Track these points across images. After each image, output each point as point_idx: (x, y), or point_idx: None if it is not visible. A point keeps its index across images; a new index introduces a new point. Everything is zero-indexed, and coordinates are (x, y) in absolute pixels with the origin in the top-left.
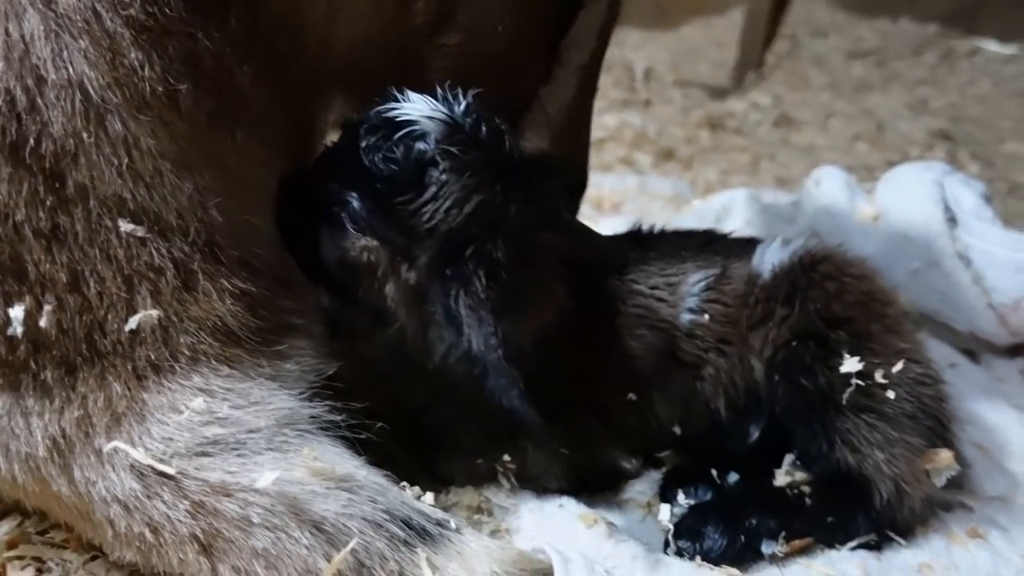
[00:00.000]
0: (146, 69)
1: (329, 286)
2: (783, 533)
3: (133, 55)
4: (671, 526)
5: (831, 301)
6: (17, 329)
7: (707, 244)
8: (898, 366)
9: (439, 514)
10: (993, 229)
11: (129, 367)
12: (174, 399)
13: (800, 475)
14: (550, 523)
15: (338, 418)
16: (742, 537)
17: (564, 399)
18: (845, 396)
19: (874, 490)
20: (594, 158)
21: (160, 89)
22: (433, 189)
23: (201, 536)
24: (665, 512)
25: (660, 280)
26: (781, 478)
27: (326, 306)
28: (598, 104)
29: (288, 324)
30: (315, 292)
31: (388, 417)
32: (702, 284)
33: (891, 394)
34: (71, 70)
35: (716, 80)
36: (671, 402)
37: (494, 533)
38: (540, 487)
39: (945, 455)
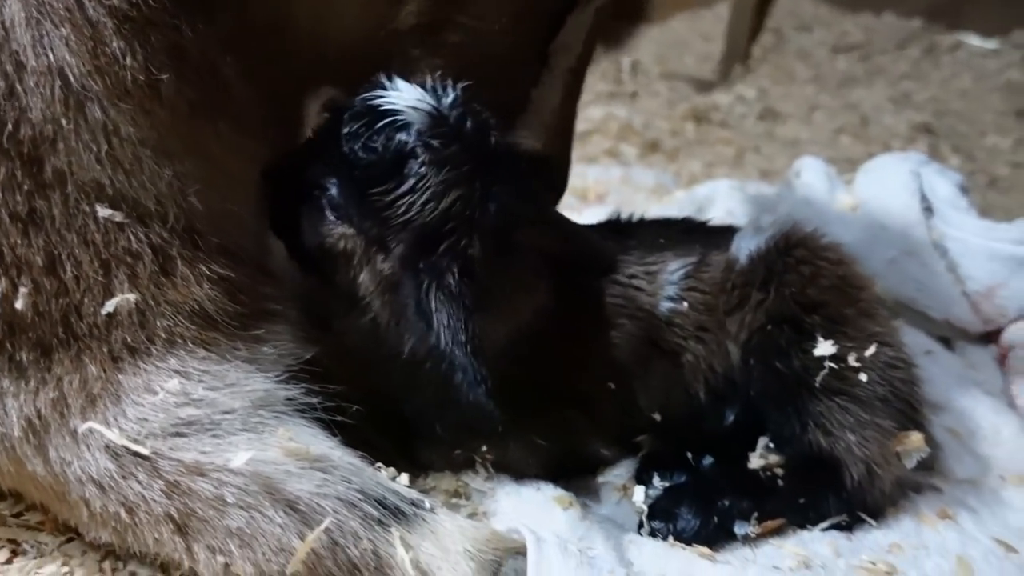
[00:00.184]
0: (128, 58)
1: (310, 269)
2: (756, 514)
3: (115, 44)
4: (646, 508)
5: (806, 285)
6: None
7: (686, 232)
8: (871, 349)
9: (413, 494)
10: (967, 218)
11: (105, 349)
12: (149, 380)
13: (774, 458)
14: (527, 506)
15: (314, 400)
16: (715, 518)
17: (545, 391)
18: (819, 379)
19: (845, 472)
20: (580, 150)
21: (142, 78)
22: (411, 181)
23: (176, 516)
24: (640, 494)
25: (639, 269)
26: (755, 461)
27: (308, 292)
28: (584, 96)
29: (267, 309)
30: (296, 278)
31: (368, 403)
32: (681, 272)
33: (863, 377)
34: (51, 57)
35: (702, 73)
36: (651, 390)
37: (472, 516)
38: (518, 474)
39: (915, 437)
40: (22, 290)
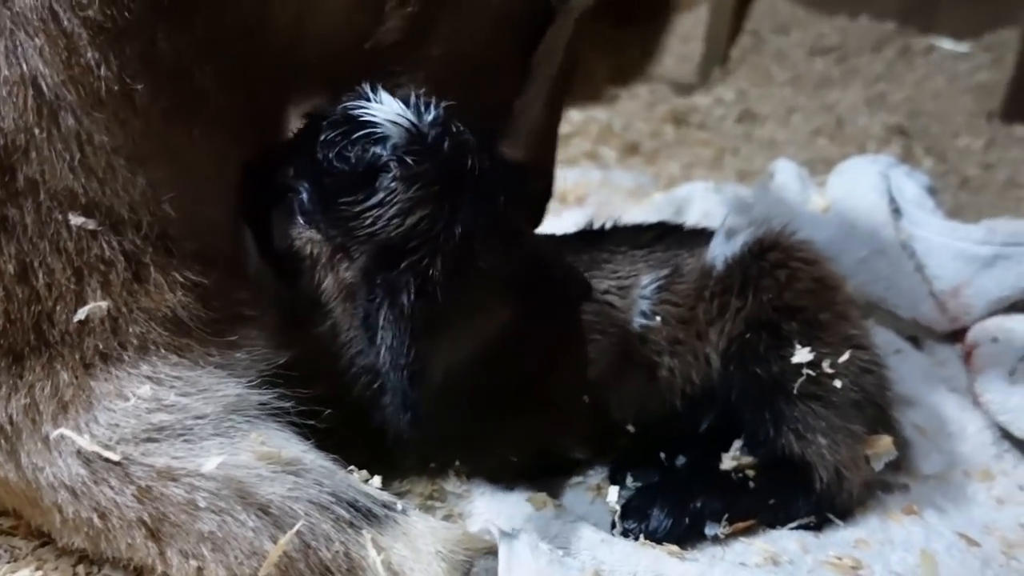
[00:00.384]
0: (103, 68)
1: (279, 271)
2: (727, 515)
3: (90, 54)
4: (619, 508)
5: (782, 290)
6: None
7: (659, 239)
8: (845, 356)
9: (385, 496)
10: (933, 219)
11: (77, 356)
12: (121, 387)
13: (746, 459)
14: (501, 506)
15: (287, 405)
16: (687, 518)
17: (516, 407)
18: (796, 385)
19: (815, 474)
20: (560, 152)
21: (116, 88)
22: (380, 195)
23: (148, 521)
24: (613, 494)
25: (611, 284)
26: (727, 462)
27: (280, 293)
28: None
29: (240, 315)
30: (270, 277)
31: (342, 407)
32: (654, 287)
33: (838, 383)
34: (25, 67)
35: (681, 76)
36: (625, 403)
37: (447, 518)
38: (492, 481)
39: (885, 441)
40: None
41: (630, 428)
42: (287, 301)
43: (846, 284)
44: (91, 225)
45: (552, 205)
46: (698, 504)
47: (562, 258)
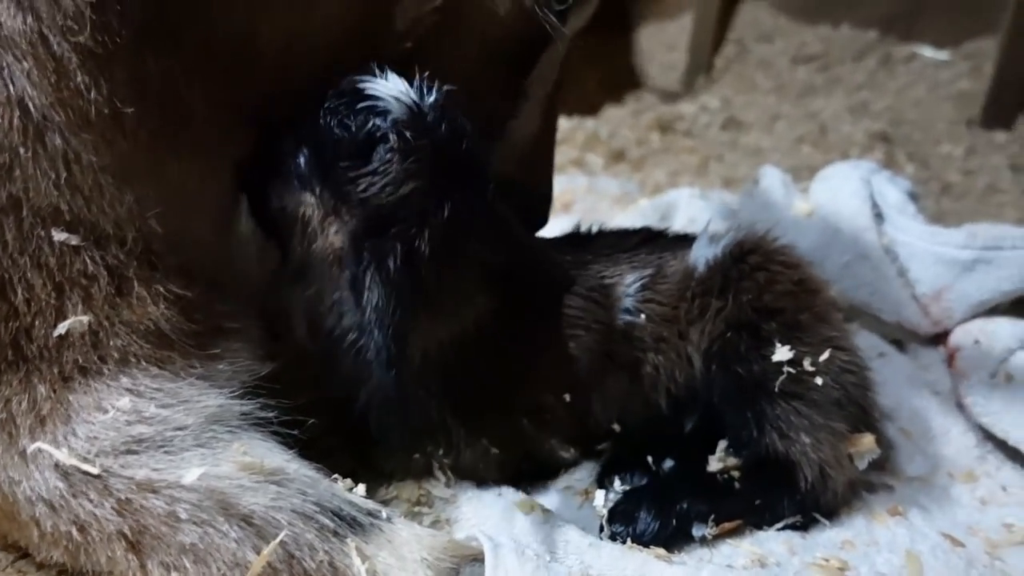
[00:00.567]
0: (92, 92)
1: (270, 234)
2: (713, 516)
3: (80, 78)
4: (606, 511)
5: (762, 292)
6: None
7: (643, 243)
8: (825, 354)
9: (370, 504)
10: (915, 223)
11: (55, 370)
12: (100, 399)
13: (731, 461)
14: (488, 511)
15: (271, 415)
16: (674, 521)
17: (496, 400)
18: (777, 384)
19: (800, 474)
20: None
21: (106, 111)
22: (375, 164)
23: (128, 533)
24: (600, 498)
25: (596, 283)
26: (713, 464)
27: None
28: None
29: (223, 328)
30: (254, 277)
31: (327, 415)
32: (637, 285)
33: (819, 380)
34: (11, 89)
35: (666, 84)
36: (609, 402)
37: (434, 524)
38: (477, 478)
39: (867, 440)
40: None
41: (615, 427)
42: (269, 310)
43: (828, 288)
44: (74, 241)
45: None
46: (684, 506)
47: (548, 253)
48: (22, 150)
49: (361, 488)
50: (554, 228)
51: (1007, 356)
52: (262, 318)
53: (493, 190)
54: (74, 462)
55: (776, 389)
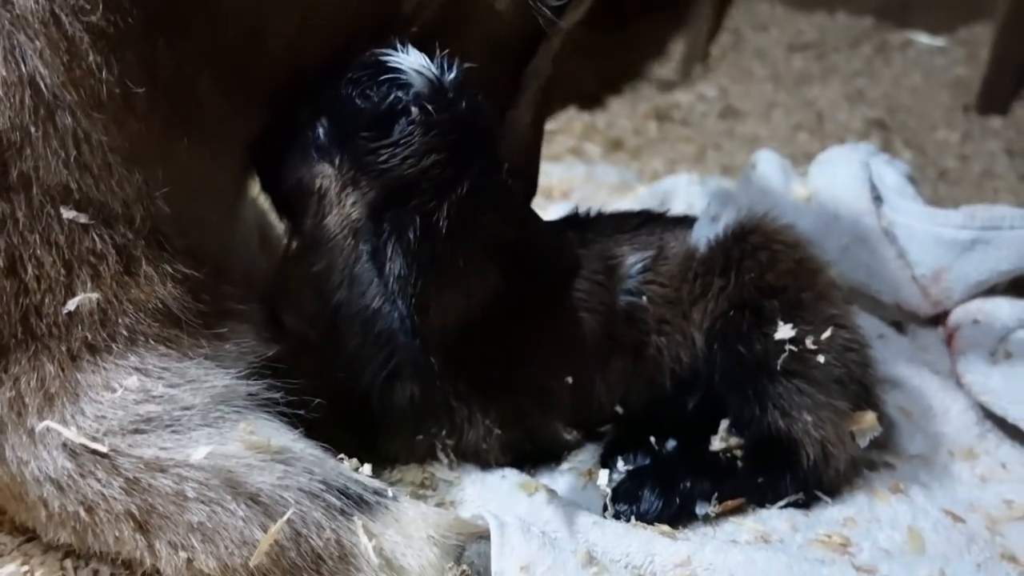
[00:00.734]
0: (104, 72)
1: (282, 209)
2: (716, 495)
3: (92, 58)
4: (610, 491)
5: (764, 271)
6: None
7: (643, 224)
8: (827, 332)
9: (376, 483)
10: (914, 205)
11: (64, 348)
12: (108, 378)
13: (734, 440)
14: (492, 493)
15: (277, 396)
16: (677, 499)
17: (500, 380)
18: (779, 362)
19: (802, 452)
20: (545, 149)
21: (117, 91)
22: (396, 136)
23: (136, 513)
24: (604, 478)
25: (598, 264)
26: (716, 443)
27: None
28: None
29: (229, 309)
30: (259, 267)
31: (332, 398)
32: (639, 266)
33: (821, 359)
34: (24, 68)
35: (664, 73)
36: (613, 383)
37: (439, 506)
38: (481, 461)
39: (869, 417)
40: None
41: (618, 409)
42: (273, 292)
43: (828, 267)
44: (83, 219)
45: (538, 199)
46: (688, 485)
47: (556, 235)
48: (33, 129)
49: (367, 467)
50: (553, 215)
51: (1006, 335)
52: (265, 303)
53: (506, 169)
54: (83, 441)
55: (778, 367)
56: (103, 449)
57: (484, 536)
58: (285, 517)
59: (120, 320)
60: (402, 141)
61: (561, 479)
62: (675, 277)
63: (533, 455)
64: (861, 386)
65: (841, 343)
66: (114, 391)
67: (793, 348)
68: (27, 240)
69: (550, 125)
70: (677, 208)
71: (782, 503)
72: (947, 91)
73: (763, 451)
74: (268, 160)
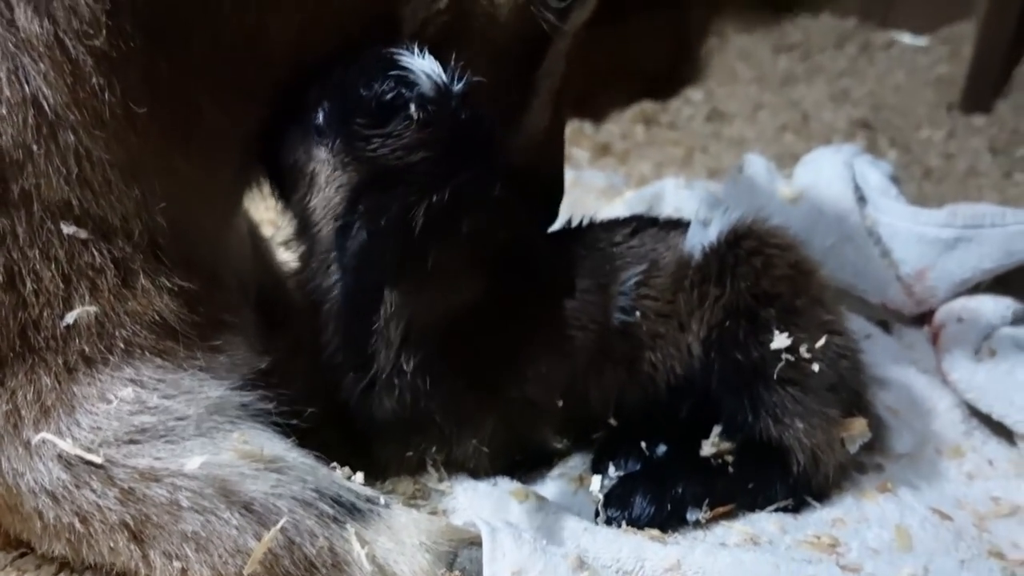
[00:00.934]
0: (107, 93)
1: (277, 186)
2: (707, 500)
3: (95, 80)
4: (601, 496)
5: (759, 277)
6: None
7: (634, 234)
8: (822, 340)
9: (368, 491)
10: (897, 205)
11: (61, 361)
12: (104, 390)
13: (725, 445)
14: (484, 500)
15: (270, 406)
16: (669, 505)
17: (488, 397)
18: (775, 371)
19: (792, 458)
20: None
21: (120, 111)
22: (390, 128)
23: (131, 523)
24: (596, 483)
25: (589, 282)
26: (707, 448)
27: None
28: None
29: (224, 321)
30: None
31: (324, 400)
32: (632, 283)
33: (815, 367)
34: (27, 89)
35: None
36: (605, 398)
37: (431, 514)
38: (471, 472)
39: (859, 424)
40: None
41: (612, 422)
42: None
43: (820, 268)
44: (83, 234)
45: None
46: (679, 490)
47: (550, 253)
48: (35, 147)
49: (359, 475)
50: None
51: (990, 332)
52: (258, 311)
53: (502, 186)
54: (78, 452)
55: (774, 376)
56: (98, 460)
57: (476, 542)
58: (279, 525)
59: (117, 332)
60: (395, 134)
61: (552, 485)
62: (668, 289)
63: (524, 463)
64: (853, 392)
65: (835, 351)
66: (109, 402)
67: (789, 357)
68: (27, 255)
69: None
70: (666, 212)
71: (772, 508)
72: (931, 90)
73: (754, 457)
74: (272, 135)
